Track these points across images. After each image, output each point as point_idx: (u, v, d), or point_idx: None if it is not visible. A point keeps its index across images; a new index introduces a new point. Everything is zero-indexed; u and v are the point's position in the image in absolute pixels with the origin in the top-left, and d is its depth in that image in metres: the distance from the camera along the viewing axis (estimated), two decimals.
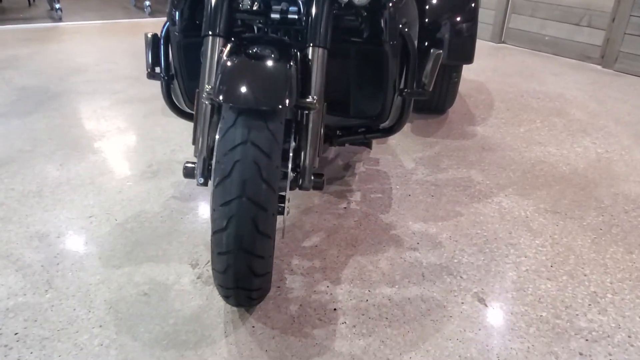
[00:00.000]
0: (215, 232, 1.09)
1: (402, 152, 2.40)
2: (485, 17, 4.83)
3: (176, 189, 2.01)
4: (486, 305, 1.42)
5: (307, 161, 1.32)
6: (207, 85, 1.30)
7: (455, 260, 1.61)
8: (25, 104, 2.88)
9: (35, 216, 1.80)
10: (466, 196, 2.01)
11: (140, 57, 3.98)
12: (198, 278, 1.50)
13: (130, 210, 1.84)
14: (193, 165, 1.34)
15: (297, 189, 1.34)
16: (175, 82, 1.71)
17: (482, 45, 4.76)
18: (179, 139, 2.48)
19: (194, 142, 1.36)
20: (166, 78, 1.67)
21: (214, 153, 1.25)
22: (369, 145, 1.93)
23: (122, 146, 2.38)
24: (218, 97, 1.07)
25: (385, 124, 1.72)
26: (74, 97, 3.03)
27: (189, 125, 2.61)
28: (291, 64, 1.15)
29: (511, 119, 2.89)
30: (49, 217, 1.79)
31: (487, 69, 3.91)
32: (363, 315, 1.37)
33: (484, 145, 2.51)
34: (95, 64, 3.76)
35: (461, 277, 1.53)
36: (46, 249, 1.62)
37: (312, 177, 1.33)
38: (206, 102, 1.31)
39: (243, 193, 1.04)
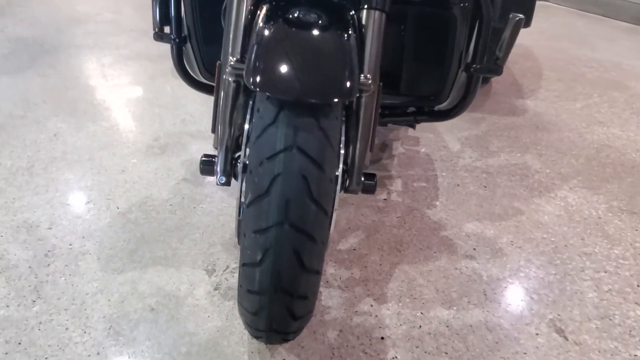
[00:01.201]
0: (245, 265, 0.82)
1: (444, 130, 2.10)
2: None
3: (187, 169, 1.73)
4: (566, 339, 1.16)
5: (357, 157, 1.03)
6: (231, 57, 1.00)
7: (522, 274, 1.35)
8: (19, 59, 2.57)
9: (24, 200, 1.53)
10: (524, 188, 1.72)
11: (148, 7, 3.61)
12: (215, 289, 1.25)
13: (135, 196, 1.58)
14: (212, 160, 1.06)
15: (342, 191, 1.06)
16: (188, 45, 1.40)
17: None
18: (191, 106, 2.18)
19: (214, 129, 1.08)
20: (177, 41, 1.36)
21: (242, 147, 0.97)
22: (412, 125, 1.63)
23: (126, 114, 2.09)
24: (252, 83, 0.77)
25: (443, 106, 1.41)
26: (72, 51, 2.71)
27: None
28: (350, 33, 0.84)
29: (564, 92, 2.56)
30: (40, 202, 1.53)
31: (532, 31, 3.52)
32: (417, 348, 1.12)
33: (538, 123, 2.19)
34: (97, 14, 3.40)
35: (531, 297, 1.27)
36: (35, 244, 1.37)
37: (362, 178, 1.05)
38: (230, 79, 1.02)
39: (285, 218, 0.76)
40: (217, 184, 1.05)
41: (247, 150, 0.90)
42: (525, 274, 1.35)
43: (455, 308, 1.23)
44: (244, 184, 0.97)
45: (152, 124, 2.01)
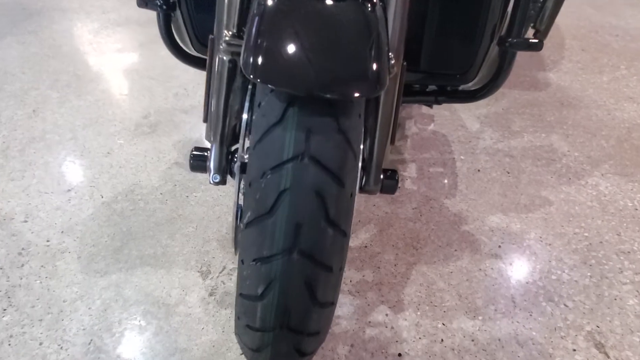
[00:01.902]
0: (243, 295, 0.67)
1: (461, 106, 1.92)
2: None
3: (180, 152, 1.57)
4: (607, 356, 1.03)
5: (376, 151, 0.87)
6: (225, 31, 0.83)
7: (554, 277, 1.20)
8: None
9: None
10: (551, 174, 1.56)
11: None
12: (210, 295, 1.11)
13: (121, 183, 1.42)
14: (204, 154, 0.90)
15: (359, 191, 0.90)
16: (178, 12, 1.21)
17: None
18: (184, 77, 1.99)
19: (206, 118, 0.91)
20: (164, 7, 1.17)
21: (240, 140, 0.81)
22: (430, 104, 1.45)
23: (113, 86, 1.90)
24: (250, 71, 0.60)
25: (469, 85, 1.24)
26: (55, 16, 2.49)
27: None
28: (375, 2, 0.66)
29: (589, 63, 2.36)
30: (15, 190, 1.37)
31: None
32: None
33: (563, 99, 2.01)
34: None
35: (565, 304, 1.13)
36: (8, 240, 1.22)
37: (381, 176, 0.89)
38: (224, 58, 0.84)
39: (294, 245, 0.60)
40: (210, 183, 0.89)
41: (246, 143, 0.74)
42: (558, 276, 1.21)
43: (480, 318, 1.09)
44: (241, 185, 0.81)
45: (141, 99, 1.83)
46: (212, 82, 0.87)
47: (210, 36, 0.87)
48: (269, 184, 0.61)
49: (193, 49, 1.26)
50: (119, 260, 1.17)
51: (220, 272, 1.16)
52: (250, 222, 0.63)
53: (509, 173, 1.56)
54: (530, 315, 1.10)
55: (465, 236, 1.31)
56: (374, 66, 0.60)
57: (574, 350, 1.04)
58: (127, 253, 1.20)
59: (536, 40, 1.09)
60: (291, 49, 0.58)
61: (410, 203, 1.41)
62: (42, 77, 1.93)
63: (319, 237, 0.61)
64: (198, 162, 0.89)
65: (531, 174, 1.56)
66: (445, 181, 1.50)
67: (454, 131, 1.76)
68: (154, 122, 1.70)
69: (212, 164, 0.88)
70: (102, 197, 1.37)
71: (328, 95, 0.57)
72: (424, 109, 1.87)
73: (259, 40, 0.60)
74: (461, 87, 1.26)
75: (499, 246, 1.28)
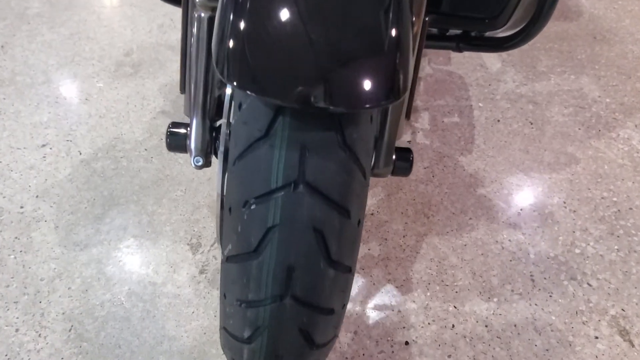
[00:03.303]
0: (227, 332, 0.56)
1: None
2: None
3: (166, 98, 1.40)
4: (632, 344, 0.95)
5: (388, 128, 0.72)
6: None
7: (577, 251, 1.10)
8: None
9: None
10: (579, 125, 1.41)
11: None
12: (201, 272, 1.01)
13: (101, 136, 1.28)
14: (183, 132, 0.75)
15: None
16: None
17: None
18: (168, 5, 1.76)
19: (183, 88, 0.75)
20: None
21: (224, 117, 0.67)
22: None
23: (90, 16, 1.69)
24: (225, 73, 0.44)
25: (498, 32, 1.05)
26: None
27: None
28: None
29: None
30: None
31: None
32: (450, 357, 0.92)
33: (595, 31, 1.79)
34: None
35: (589, 283, 1.04)
36: None
37: (394, 156, 0.75)
38: (202, 14, 0.67)
39: (286, 291, 0.48)
40: (193, 166, 0.75)
41: (231, 121, 0.59)
42: (582, 250, 1.10)
43: (495, 300, 1.00)
44: (225, 179, 0.67)
45: (122, 32, 1.63)
46: (188, 45, 0.71)
47: None
48: (253, 216, 0.48)
49: None
50: (101, 231, 1.07)
51: (211, 246, 1.06)
52: (231, 257, 0.51)
53: (532, 124, 1.40)
54: (550, 296, 1.01)
55: (482, 201, 1.19)
56: (395, 59, 0.44)
57: (596, 337, 0.96)
58: (109, 222, 1.09)
59: None
60: (279, 37, 0.42)
61: (422, 161, 1.27)
62: (9, 5, 1.71)
63: (317, 281, 0.49)
64: (176, 140, 0.75)
65: (557, 124, 1.40)
66: (461, 134, 1.35)
67: (472, 72, 1.57)
68: (136, 60, 1.52)
69: (192, 144, 0.74)
70: (81, 153, 1.23)
71: (331, 108, 0.42)
72: None
73: (236, 23, 0.44)
74: (488, 34, 1.08)
75: (518, 213, 1.16)
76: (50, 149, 1.24)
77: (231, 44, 0.43)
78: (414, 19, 0.58)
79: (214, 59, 0.45)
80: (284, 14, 0.42)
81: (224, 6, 0.46)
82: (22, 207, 1.11)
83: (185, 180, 1.19)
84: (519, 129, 1.38)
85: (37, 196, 1.13)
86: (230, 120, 0.54)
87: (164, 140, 1.27)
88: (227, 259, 0.51)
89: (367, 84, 0.42)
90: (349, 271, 0.52)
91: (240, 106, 0.50)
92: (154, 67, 1.50)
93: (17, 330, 0.91)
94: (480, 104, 1.45)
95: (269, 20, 0.42)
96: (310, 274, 0.48)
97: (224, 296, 0.54)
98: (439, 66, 1.58)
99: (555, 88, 1.53)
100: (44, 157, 1.22)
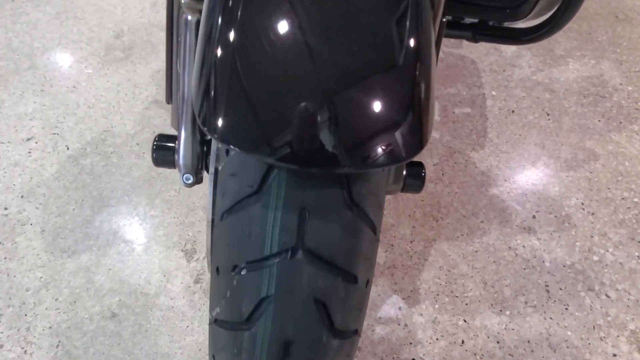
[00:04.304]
0: None
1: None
2: None
3: (159, 85, 1.32)
4: None
5: None
6: None
7: (595, 258, 1.04)
8: None
9: None
10: (599, 116, 1.32)
11: None
12: (196, 282, 0.96)
13: (90, 129, 1.20)
14: (171, 145, 0.68)
15: None
16: None
17: None
18: None
19: (170, 98, 0.68)
20: None
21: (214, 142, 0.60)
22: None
23: None
24: (208, 126, 0.36)
25: (519, 22, 0.95)
26: None
27: None
28: None
29: None
30: None
31: None
32: None
33: (618, 10, 1.68)
34: None
35: (607, 295, 0.98)
36: None
37: (404, 171, 0.67)
38: (189, 17, 0.60)
39: None
40: (182, 184, 0.68)
41: (217, 167, 0.52)
42: (600, 257, 1.04)
43: (508, 313, 0.95)
44: (216, 195, 0.60)
45: (112, 10, 1.53)
46: (174, 50, 0.63)
47: None
48: (243, 283, 0.41)
49: None
50: (89, 236, 1.01)
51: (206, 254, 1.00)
52: (218, 321, 0.44)
53: (548, 115, 1.32)
54: (566, 309, 0.96)
55: (494, 202, 1.12)
56: (416, 103, 0.36)
57: (614, 355, 0.90)
58: (99, 226, 1.03)
59: None
60: (271, 81, 0.34)
61: (432, 157, 1.20)
62: None
63: (319, 353, 0.43)
64: (164, 156, 0.68)
65: (575, 116, 1.32)
66: (473, 126, 1.27)
67: (485, 56, 1.47)
68: (128, 43, 1.42)
69: (181, 160, 0.67)
70: (68, 148, 1.16)
71: (337, 170, 0.34)
72: None
73: (219, 60, 0.36)
74: (507, 24, 0.98)
75: (533, 216, 1.10)
76: (36, 143, 1.17)
77: (212, 86, 0.35)
78: (434, 37, 0.50)
79: (193, 104, 0.37)
80: (276, 51, 0.34)
81: (205, 37, 0.38)
82: (6, 209, 1.04)
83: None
84: (534, 121, 1.30)
85: (22, 196, 1.06)
86: (217, 165, 0.46)
87: (156, 110, 1.19)
88: (215, 321, 0.45)
89: (381, 138, 0.34)
90: (355, 333, 0.46)
91: (227, 152, 0.43)
92: (146, 50, 1.41)
93: (1, 346, 0.86)
94: (494, 92, 1.37)
95: (258, 58, 0.35)
96: (310, 347, 0.42)
97: (212, 357, 0.48)
98: (450, 49, 1.48)
99: (574, 74, 1.44)
100: (29, 152, 1.15)
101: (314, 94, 0.34)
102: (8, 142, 1.16)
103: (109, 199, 1.07)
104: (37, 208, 1.05)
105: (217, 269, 0.44)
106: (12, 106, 1.23)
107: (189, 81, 0.63)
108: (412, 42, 0.38)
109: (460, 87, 1.37)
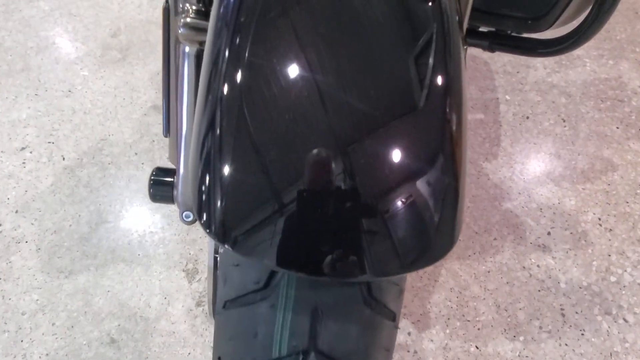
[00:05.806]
0: None
1: None
2: None
3: (158, 89, 1.26)
4: None
5: None
6: (187, 4, 0.52)
7: (613, 278, 1.00)
8: None
9: None
10: (617, 123, 1.27)
11: None
12: (198, 305, 0.92)
13: (86, 137, 1.15)
14: (170, 180, 0.63)
15: None
16: None
17: None
18: None
19: (168, 131, 0.63)
20: None
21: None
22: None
23: None
24: (210, 228, 0.32)
25: (543, 31, 0.89)
26: None
27: None
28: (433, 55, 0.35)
29: None
30: None
31: None
32: None
33: (636, 5, 1.60)
34: None
35: (625, 319, 0.94)
36: None
37: None
38: (187, 49, 0.55)
39: None
40: (182, 221, 0.63)
41: (220, 251, 0.47)
42: (617, 277, 1.00)
43: (522, 338, 0.91)
44: (217, 278, 0.56)
45: (108, 6, 1.46)
46: (172, 82, 0.58)
47: (164, 4, 0.56)
48: None
49: None
50: (87, 254, 0.97)
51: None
52: None
53: (564, 121, 1.26)
54: (582, 334, 0.92)
55: (508, 217, 1.07)
56: (445, 199, 0.31)
57: None
58: (97, 244, 0.99)
59: None
60: (278, 179, 0.30)
61: None
62: None
63: None
64: (161, 191, 0.63)
65: (592, 122, 1.26)
66: (486, 134, 1.22)
67: (498, 56, 1.41)
68: (125, 43, 1.36)
69: (180, 197, 0.63)
70: (64, 158, 1.11)
71: (354, 280, 0.30)
72: None
73: (218, 151, 0.31)
74: (525, 34, 0.92)
75: (548, 232, 1.05)
76: (31, 152, 1.12)
77: (210, 181, 0.31)
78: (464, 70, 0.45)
79: (193, 205, 0.33)
80: (281, 144, 0.30)
81: (199, 127, 0.33)
82: (0, 225, 1.00)
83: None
84: (550, 128, 1.24)
85: (16, 211, 1.02)
86: (219, 249, 0.42)
87: (155, 116, 1.15)
88: None
89: (403, 242, 0.30)
90: None
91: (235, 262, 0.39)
92: (144, 50, 1.35)
93: None
94: (507, 97, 1.31)
95: (260, 151, 0.30)
96: None
97: None
98: None
99: (591, 76, 1.37)
100: (24, 163, 1.10)
101: (325, 196, 0.29)
102: (2, 151, 1.12)
103: (106, 214, 1.03)
104: (32, 224, 1.01)
105: (220, 357, 0.40)
106: (6, 112, 1.19)
107: (187, 115, 0.58)
108: (439, 103, 0.33)
109: (472, 91, 1.31)
